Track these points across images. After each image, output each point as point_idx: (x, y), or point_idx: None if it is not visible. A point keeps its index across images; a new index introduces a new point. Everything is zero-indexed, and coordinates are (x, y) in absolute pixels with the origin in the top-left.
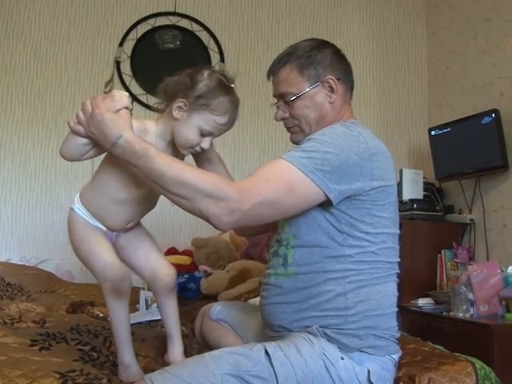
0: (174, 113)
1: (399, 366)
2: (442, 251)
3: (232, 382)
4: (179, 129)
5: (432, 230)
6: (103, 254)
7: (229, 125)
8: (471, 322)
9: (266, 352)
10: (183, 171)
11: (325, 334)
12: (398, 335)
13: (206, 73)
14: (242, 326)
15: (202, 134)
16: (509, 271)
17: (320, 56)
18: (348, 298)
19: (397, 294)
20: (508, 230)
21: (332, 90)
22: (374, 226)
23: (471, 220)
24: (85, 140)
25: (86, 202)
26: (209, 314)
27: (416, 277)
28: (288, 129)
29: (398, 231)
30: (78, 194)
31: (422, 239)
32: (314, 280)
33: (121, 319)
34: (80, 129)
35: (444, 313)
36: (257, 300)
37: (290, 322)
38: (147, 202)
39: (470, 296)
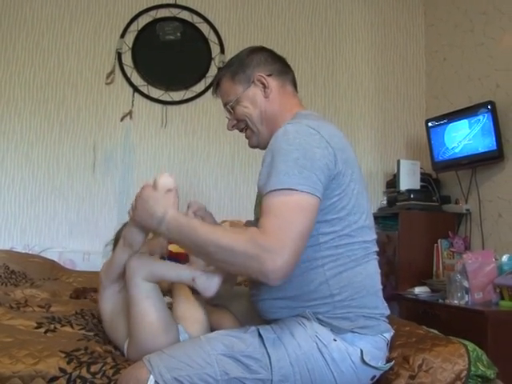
0: None
1: (393, 346)
2: (439, 241)
3: (226, 362)
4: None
5: (429, 220)
6: None
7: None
8: (466, 309)
9: (260, 334)
10: (223, 237)
11: (317, 318)
12: (387, 312)
13: None
14: (239, 308)
15: None
16: (503, 260)
17: (247, 60)
18: (331, 285)
19: (379, 271)
20: (503, 219)
21: (264, 86)
22: (345, 208)
23: (467, 210)
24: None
25: None
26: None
27: (413, 266)
28: (244, 134)
29: (369, 207)
30: None
31: (419, 229)
32: (294, 271)
33: None
34: None
35: (440, 300)
36: None
37: (281, 315)
38: None
39: (465, 284)
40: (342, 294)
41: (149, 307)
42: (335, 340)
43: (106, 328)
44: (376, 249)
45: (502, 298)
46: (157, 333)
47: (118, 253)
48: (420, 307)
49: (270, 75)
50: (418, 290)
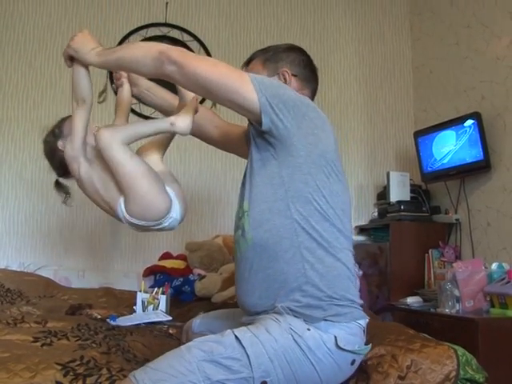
0: None
1: (382, 343)
2: (430, 251)
3: (207, 367)
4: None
5: (419, 231)
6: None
7: None
8: (457, 318)
9: (236, 336)
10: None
11: (290, 309)
12: (360, 302)
13: None
14: (223, 329)
15: None
16: (493, 268)
17: (284, 55)
18: (304, 258)
19: (353, 262)
20: (492, 228)
21: (285, 82)
22: (314, 183)
23: (457, 220)
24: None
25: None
26: (191, 329)
27: (405, 276)
28: None
29: (346, 192)
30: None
31: (410, 240)
32: (269, 240)
33: None
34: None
35: (431, 309)
36: None
37: (259, 296)
38: None
39: (456, 292)
40: (314, 267)
41: (137, 165)
42: (309, 329)
43: (100, 193)
44: (350, 235)
45: (493, 306)
46: (152, 185)
47: (75, 117)
48: (412, 317)
49: (294, 75)
50: (410, 300)
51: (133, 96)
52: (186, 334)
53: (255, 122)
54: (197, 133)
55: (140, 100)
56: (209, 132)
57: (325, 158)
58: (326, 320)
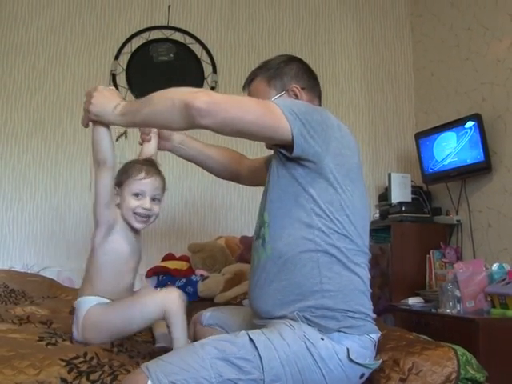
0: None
1: (384, 349)
2: (431, 252)
3: (220, 365)
4: (122, 208)
5: (420, 232)
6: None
7: (148, 177)
8: (458, 318)
9: (250, 338)
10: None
11: (305, 318)
12: (373, 315)
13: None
14: (233, 327)
15: (136, 196)
16: (493, 268)
17: (286, 68)
18: (322, 273)
19: (369, 276)
20: (493, 229)
21: (297, 97)
22: (339, 203)
23: (458, 221)
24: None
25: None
26: (200, 321)
27: (406, 277)
28: None
29: (367, 206)
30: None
31: (411, 241)
32: (289, 253)
33: None
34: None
35: (432, 310)
36: None
37: (272, 305)
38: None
39: (457, 293)
40: (331, 282)
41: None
42: (322, 339)
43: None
44: (368, 252)
45: (493, 306)
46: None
47: (98, 179)
48: (414, 317)
49: (303, 88)
50: (411, 300)
51: (164, 149)
52: (194, 325)
53: (284, 148)
54: (233, 178)
55: (172, 153)
56: (242, 174)
57: (349, 177)
58: (339, 331)
